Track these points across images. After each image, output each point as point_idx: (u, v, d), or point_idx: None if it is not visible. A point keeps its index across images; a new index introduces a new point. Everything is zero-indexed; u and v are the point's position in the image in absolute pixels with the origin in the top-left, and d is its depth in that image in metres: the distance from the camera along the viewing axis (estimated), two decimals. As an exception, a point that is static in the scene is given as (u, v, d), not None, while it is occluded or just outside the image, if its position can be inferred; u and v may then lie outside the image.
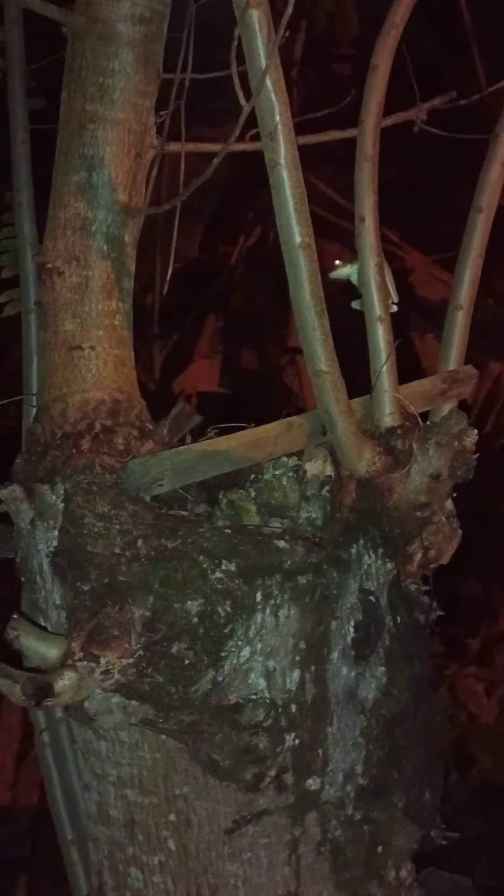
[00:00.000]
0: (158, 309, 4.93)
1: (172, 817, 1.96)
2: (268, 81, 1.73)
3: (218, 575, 1.83)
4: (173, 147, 2.20)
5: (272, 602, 1.88)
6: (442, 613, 2.23)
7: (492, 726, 4.58)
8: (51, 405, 2.08)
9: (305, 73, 4.69)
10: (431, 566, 2.21)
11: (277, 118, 1.75)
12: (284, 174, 1.77)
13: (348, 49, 4.76)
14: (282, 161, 1.77)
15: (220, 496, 1.98)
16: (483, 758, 4.48)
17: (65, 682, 1.70)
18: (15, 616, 1.79)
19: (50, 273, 2.09)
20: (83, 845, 2.35)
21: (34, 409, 2.28)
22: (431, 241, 4.88)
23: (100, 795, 2.02)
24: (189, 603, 1.79)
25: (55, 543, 1.90)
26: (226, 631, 1.81)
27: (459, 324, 2.20)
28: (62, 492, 1.90)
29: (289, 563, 1.90)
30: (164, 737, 1.91)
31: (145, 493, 1.94)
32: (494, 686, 4.67)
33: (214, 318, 5.33)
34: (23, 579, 2.06)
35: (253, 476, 2.00)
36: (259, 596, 1.86)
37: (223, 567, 1.84)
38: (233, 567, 1.84)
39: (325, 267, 1.99)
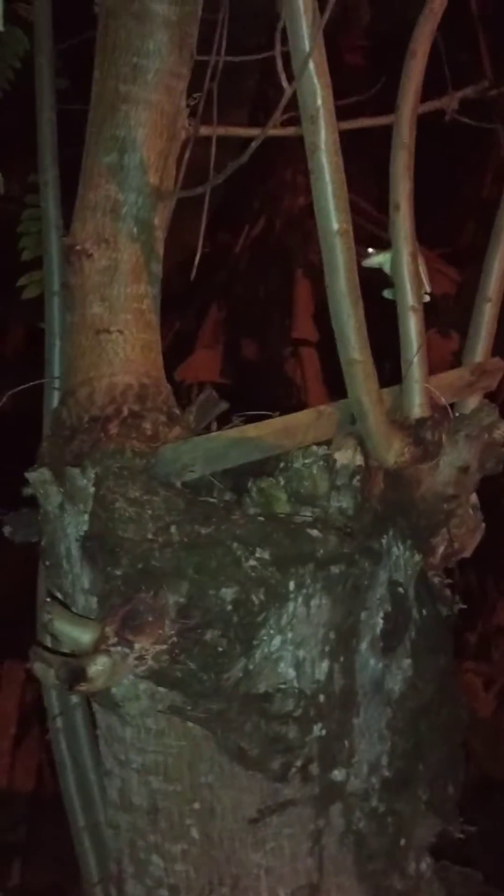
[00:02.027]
0: (161, 298, 4.89)
1: (196, 805, 1.94)
2: (311, 65, 1.70)
3: (252, 563, 1.80)
4: (205, 130, 2.18)
5: (304, 591, 1.86)
6: (464, 607, 2.22)
7: (489, 720, 4.58)
8: (77, 389, 2.05)
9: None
10: (454, 559, 2.21)
11: (319, 102, 1.72)
12: (324, 159, 1.75)
13: (360, 40, 4.75)
14: (322, 146, 1.74)
15: (250, 484, 1.96)
16: (480, 752, 4.48)
17: (98, 667, 1.68)
18: (48, 599, 1.76)
19: (78, 255, 2.07)
20: (95, 832, 2.33)
21: (56, 392, 2.26)
22: (435, 235, 4.86)
23: (122, 782, 2.00)
24: (224, 590, 1.77)
25: (85, 528, 1.88)
26: (259, 619, 1.79)
27: (487, 316, 2.18)
28: (93, 475, 1.88)
29: (321, 552, 1.87)
30: (190, 724, 1.90)
31: (175, 478, 1.92)
32: (492, 680, 4.68)
33: (217, 309, 5.31)
34: (46, 563, 2.04)
35: (282, 465, 1.98)
36: (292, 585, 1.84)
37: (257, 555, 1.81)
38: (266, 555, 1.82)
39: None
